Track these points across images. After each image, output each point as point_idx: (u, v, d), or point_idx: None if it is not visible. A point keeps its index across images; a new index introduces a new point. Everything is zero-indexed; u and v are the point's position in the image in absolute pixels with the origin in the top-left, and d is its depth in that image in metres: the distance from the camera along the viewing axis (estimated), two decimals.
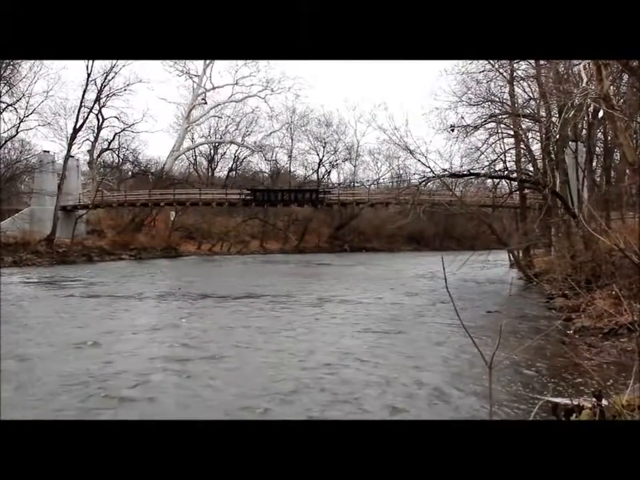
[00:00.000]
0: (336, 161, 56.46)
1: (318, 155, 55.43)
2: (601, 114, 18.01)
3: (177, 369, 7.61)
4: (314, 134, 55.01)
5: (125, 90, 39.23)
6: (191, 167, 55.05)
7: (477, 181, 20.85)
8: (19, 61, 30.58)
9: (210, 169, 54.84)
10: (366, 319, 12.27)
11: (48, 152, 36.56)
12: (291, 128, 53.93)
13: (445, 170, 18.43)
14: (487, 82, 22.02)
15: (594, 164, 22.90)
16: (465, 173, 18.70)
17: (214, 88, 51.92)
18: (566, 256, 15.73)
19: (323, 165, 55.93)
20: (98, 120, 40.69)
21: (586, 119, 18.53)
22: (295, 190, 41.38)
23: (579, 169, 20.84)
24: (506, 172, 21.36)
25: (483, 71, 21.14)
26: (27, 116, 33.85)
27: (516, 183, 21.48)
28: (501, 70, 21.27)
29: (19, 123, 33.96)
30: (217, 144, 54.02)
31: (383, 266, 31.54)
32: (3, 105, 32.09)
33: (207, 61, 49.32)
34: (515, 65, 20.76)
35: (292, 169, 56.12)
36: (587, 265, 13.70)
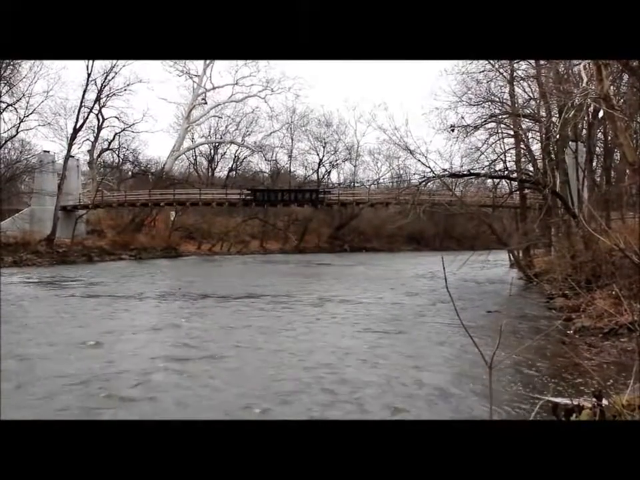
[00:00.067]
0: (336, 161, 56.52)
1: (318, 154, 55.50)
2: (601, 114, 18.01)
3: (178, 369, 7.61)
4: (314, 134, 55.07)
5: (125, 90, 39.29)
6: (191, 167, 55.11)
7: (476, 181, 20.86)
8: (19, 61, 30.61)
9: (210, 169, 54.85)
10: (366, 318, 12.27)
11: (48, 152, 36.55)
12: (290, 128, 53.99)
13: (444, 170, 18.44)
14: (487, 82, 22.05)
15: (594, 164, 22.90)
16: (464, 173, 18.69)
17: (214, 88, 51.98)
18: (566, 256, 15.73)
19: (323, 165, 55.99)
20: (98, 120, 40.74)
21: (586, 118, 18.52)
22: (294, 190, 41.35)
23: (579, 169, 20.84)
24: (506, 172, 21.36)
25: (483, 71, 21.16)
26: (27, 116, 33.92)
27: (516, 183, 21.49)
28: (501, 70, 21.28)
29: (19, 123, 34.04)
30: (217, 144, 54.02)
31: (383, 266, 31.54)
32: (3, 105, 32.15)
33: (207, 61, 49.34)
34: (515, 65, 20.75)
35: (292, 169, 56.19)
36: (587, 265, 13.70)
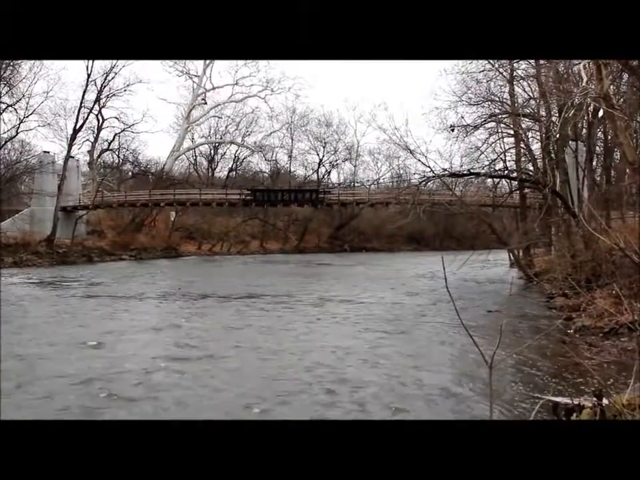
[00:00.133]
0: (336, 161, 56.49)
1: (318, 154, 55.45)
2: (601, 113, 18.01)
3: (178, 369, 7.61)
4: (314, 134, 55.02)
5: (125, 90, 39.21)
6: (191, 167, 55.08)
7: (476, 181, 20.89)
8: (19, 61, 30.61)
9: (210, 169, 54.82)
10: (367, 318, 12.27)
11: (48, 152, 36.53)
12: (291, 128, 53.94)
13: (444, 170, 18.45)
14: (487, 82, 22.06)
15: (594, 163, 22.90)
16: (464, 172, 18.70)
17: (214, 88, 51.93)
18: (566, 255, 15.74)
19: (323, 165, 55.96)
20: (98, 120, 40.68)
21: (586, 118, 18.53)
22: (294, 190, 41.33)
23: (579, 168, 20.85)
24: (506, 171, 21.38)
25: (482, 71, 21.19)
26: (27, 116, 33.86)
27: (516, 182, 21.49)
28: (500, 70, 21.29)
29: (19, 124, 33.97)
30: (217, 144, 53.99)
31: (383, 266, 31.53)
32: (3, 106, 32.10)
33: (207, 61, 49.31)
34: (515, 65, 20.77)
35: (292, 169, 56.14)
36: (587, 264, 13.70)
